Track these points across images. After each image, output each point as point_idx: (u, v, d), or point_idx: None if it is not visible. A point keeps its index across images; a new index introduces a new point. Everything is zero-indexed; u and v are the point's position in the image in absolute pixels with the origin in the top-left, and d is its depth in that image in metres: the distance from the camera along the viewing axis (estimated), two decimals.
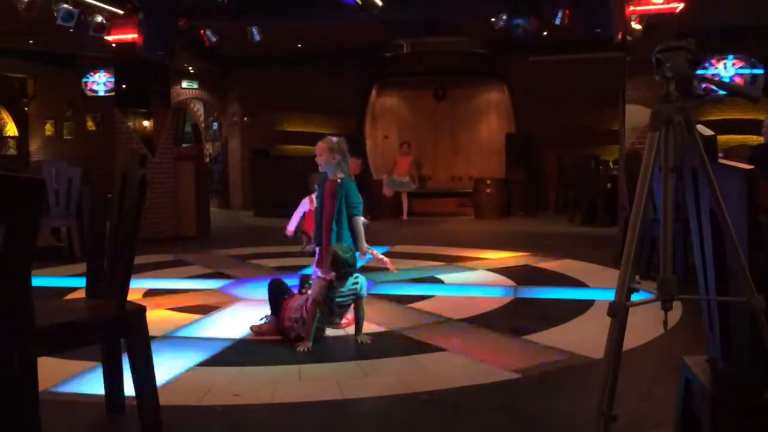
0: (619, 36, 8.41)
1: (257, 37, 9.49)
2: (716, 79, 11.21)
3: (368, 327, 4.69)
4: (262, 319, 4.61)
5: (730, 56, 11.52)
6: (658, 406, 3.09)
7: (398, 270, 4.10)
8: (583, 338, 4.25)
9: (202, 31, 9.59)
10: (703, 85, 10.85)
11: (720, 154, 6.53)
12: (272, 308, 4.57)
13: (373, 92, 14.08)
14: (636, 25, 8.08)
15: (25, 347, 2.33)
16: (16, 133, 14.49)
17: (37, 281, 2.40)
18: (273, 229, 9.18)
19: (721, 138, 8.40)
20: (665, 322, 2.11)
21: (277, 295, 4.55)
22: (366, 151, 13.68)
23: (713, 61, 11.51)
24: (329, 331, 4.57)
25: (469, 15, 10.18)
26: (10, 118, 14.46)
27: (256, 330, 4.54)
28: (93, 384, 3.41)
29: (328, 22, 10.12)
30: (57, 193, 7.98)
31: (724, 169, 2.11)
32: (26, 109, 14.63)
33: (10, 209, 2.22)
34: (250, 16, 9.40)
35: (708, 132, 5.62)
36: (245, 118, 14.63)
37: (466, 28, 11.79)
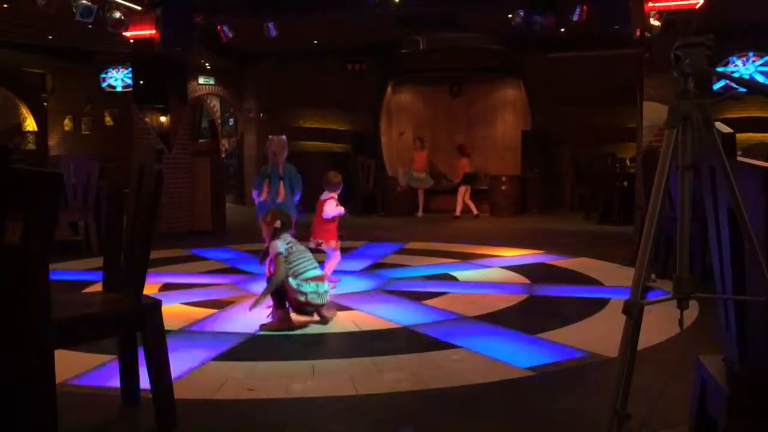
0: (638, 33, 8.33)
1: (273, 33, 9.52)
2: (736, 76, 11.10)
3: (383, 323, 4.70)
4: (267, 316, 4.65)
5: (751, 53, 11.40)
6: (672, 406, 3.06)
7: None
8: (598, 337, 4.23)
9: (218, 27, 9.64)
10: (724, 82, 10.75)
11: (739, 152, 6.46)
12: (275, 301, 4.61)
13: (389, 89, 14.06)
14: (655, 22, 7.99)
15: (43, 340, 2.35)
16: (35, 128, 14.65)
17: (54, 275, 2.42)
18: None
19: (740, 136, 8.30)
20: (681, 321, 2.09)
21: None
22: (381, 148, 13.70)
23: (735, 58, 11.40)
24: (341, 327, 4.58)
25: (485, 11, 10.14)
26: (29, 113, 14.62)
27: (265, 328, 4.56)
28: (109, 377, 3.45)
29: (345, 18, 10.11)
30: (75, 188, 8.07)
31: (743, 167, 2.09)
32: (45, 104, 14.78)
33: (28, 203, 2.24)
34: (266, 12, 9.43)
35: (727, 129, 5.56)
36: (261, 114, 14.68)
37: (483, 24, 11.74)
